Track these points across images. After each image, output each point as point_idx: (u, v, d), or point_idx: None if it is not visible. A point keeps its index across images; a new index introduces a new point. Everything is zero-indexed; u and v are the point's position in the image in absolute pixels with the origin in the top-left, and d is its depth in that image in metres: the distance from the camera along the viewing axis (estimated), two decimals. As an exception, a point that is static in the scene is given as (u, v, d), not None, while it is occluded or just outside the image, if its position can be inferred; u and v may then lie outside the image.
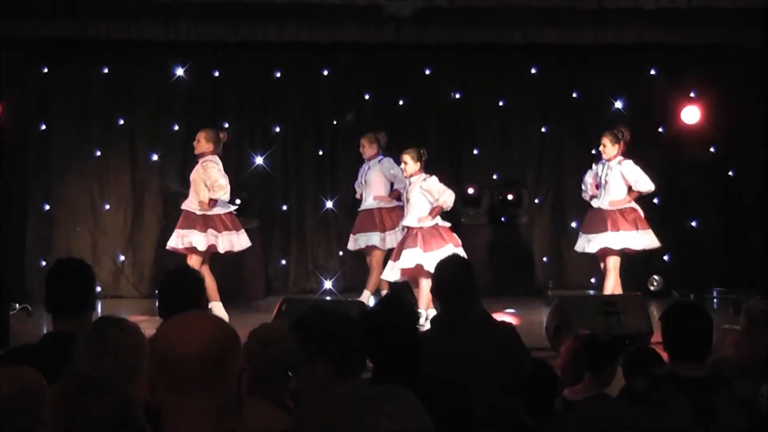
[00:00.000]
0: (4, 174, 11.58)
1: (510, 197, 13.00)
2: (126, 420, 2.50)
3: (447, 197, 10.75)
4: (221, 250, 10.52)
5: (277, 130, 12.97)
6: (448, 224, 10.77)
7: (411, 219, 10.77)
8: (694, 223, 12.55)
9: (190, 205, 10.71)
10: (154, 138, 12.68)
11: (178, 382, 2.36)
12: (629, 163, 10.83)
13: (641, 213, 10.90)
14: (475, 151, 13.18)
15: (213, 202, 10.50)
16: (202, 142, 10.65)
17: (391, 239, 11.29)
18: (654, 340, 8.45)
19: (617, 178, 10.83)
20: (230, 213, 10.74)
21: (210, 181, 10.40)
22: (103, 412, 2.61)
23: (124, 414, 2.51)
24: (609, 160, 10.85)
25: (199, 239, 10.43)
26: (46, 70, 12.54)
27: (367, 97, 13.08)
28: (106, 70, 12.63)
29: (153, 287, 11.95)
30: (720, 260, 12.73)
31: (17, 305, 10.86)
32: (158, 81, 12.74)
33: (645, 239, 10.92)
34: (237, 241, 10.72)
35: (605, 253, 10.84)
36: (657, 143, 12.73)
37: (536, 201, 13.19)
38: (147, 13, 10.85)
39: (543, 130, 13.23)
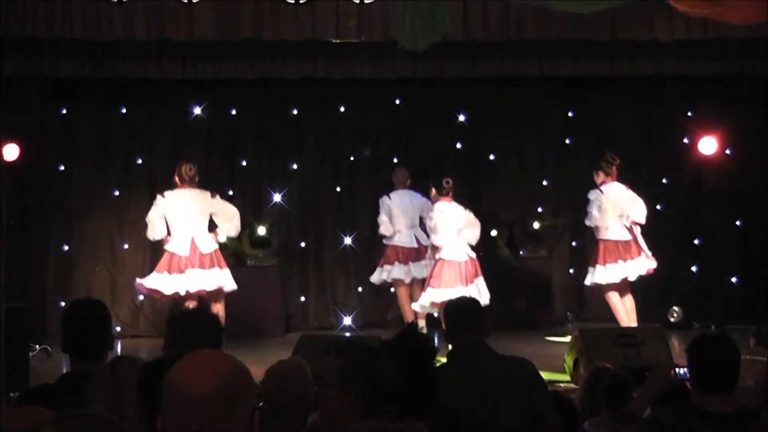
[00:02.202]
0: (24, 214, 11.63)
1: (529, 230, 12.96)
2: None
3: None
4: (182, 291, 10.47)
5: (295, 166, 13.00)
6: (472, 254, 10.78)
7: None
8: (713, 254, 12.47)
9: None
10: (172, 177, 12.68)
11: (189, 421, 2.36)
12: (621, 190, 10.76)
13: (638, 237, 10.78)
14: (494, 185, 13.16)
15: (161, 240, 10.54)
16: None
17: (415, 271, 11.30)
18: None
19: (609, 206, 10.73)
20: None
21: None
22: None
23: None
24: (600, 185, 10.80)
25: (167, 283, 10.46)
26: (64, 110, 12.61)
27: (383, 131, 13.11)
28: (124, 110, 12.69)
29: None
30: (740, 291, 12.66)
31: (37, 346, 10.88)
32: (176, 119, 12.81)
33: (638, 266, 10.76)
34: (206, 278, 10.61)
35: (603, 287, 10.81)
36: (675, 174, 12.69)
37: (555, 233, 13.14)
38: (165, 52, 10.89)
39: (560, 162, 13.22)
